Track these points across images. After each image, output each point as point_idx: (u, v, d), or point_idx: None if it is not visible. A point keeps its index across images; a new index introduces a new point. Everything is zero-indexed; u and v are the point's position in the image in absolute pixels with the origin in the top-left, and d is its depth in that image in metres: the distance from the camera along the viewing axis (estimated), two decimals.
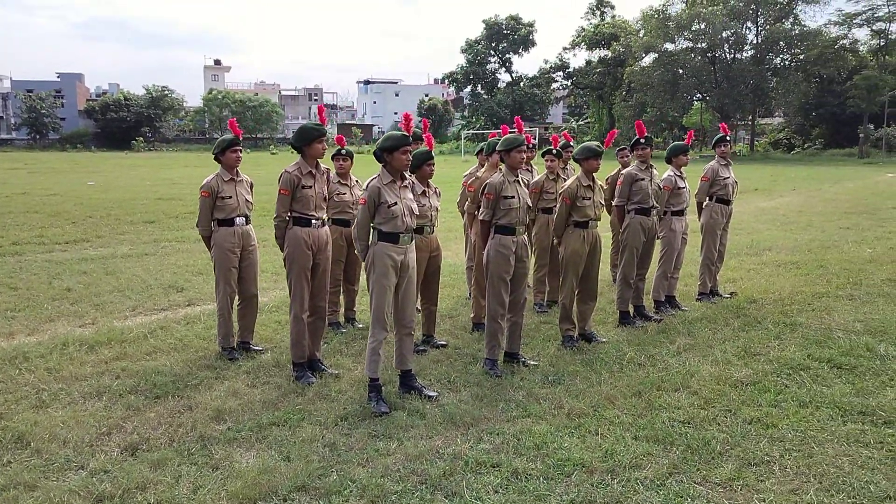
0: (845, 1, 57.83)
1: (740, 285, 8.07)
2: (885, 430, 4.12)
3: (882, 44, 48.88)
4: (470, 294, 6.94)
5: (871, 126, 47.66)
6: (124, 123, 65.68)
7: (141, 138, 63.42)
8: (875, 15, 47.91)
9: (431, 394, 4.73)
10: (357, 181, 6.29)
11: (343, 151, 6.35)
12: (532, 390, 4.85)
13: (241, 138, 5.74)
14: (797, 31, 49.27)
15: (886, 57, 48.19)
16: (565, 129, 56.26)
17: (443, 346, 5.90)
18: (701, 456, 3.82)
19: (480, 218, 5.40)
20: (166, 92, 69.58)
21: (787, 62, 50.54)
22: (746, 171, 29.69)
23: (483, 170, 6.79)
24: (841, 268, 8.96)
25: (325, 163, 5.44)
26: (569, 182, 6.07)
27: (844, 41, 49.90)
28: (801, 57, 48.99)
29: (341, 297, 6.60)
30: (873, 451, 3.86)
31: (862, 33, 50.60)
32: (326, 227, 5.32)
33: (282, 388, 4.93)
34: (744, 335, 6.10)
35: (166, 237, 11.93)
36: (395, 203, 4.59)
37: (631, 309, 6.73)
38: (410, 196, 4.79)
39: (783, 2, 49.82)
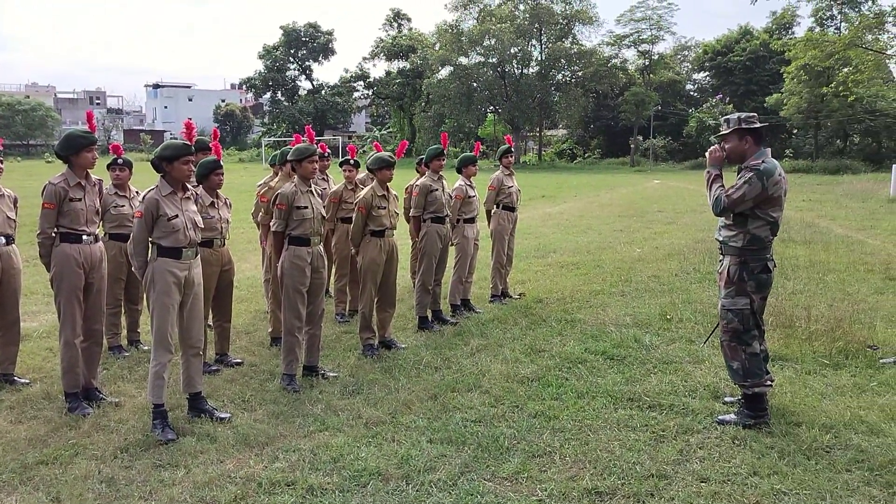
0: (615, 24, 63.86)
1: (528, 286, 8.60)
2: (649, 413, 4.58)
3: (647, 63, 54.62)
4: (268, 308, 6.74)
5: (640, 137, 53.03)
6: None
7: None
8: (640, 37, 53.43)
9: (223, 416, 4.51)
10: (137, 192, 5.86)
11: (120, 161, 5.90)
12: (331, 402, 4.80)
13: (1, 147, 5.13)
14: (575, 50, 53.59)
15: (651, 75, 53.90)
16: (370, 138, 56.77)
17: (238, 364, 5.67)
18: (490, 453, 4.00)
19: (273, 229, 5.27)
20: None
21: (568, 78, 54.79)
22: (535, 179, 31.80)
23: (277, 180, 6.64)
24: (614, 267, 9.86)
25: (99, 173, 5.02)
26: (364, 191, 6.12)
27: (616, 60, 55.06)
28: (580, 74, 53.35)
29: (123, 319, 6.12)
30: (640, 433, 4.27)
31: (630, 53, 55.99)
32: (100, 243, 4.90)
33: (52, 422, 4.46)
34: (531, 333, 6.50)
35: None
36: (177, 216, 4.33)
37: (429, 314, 6.91)
38: (194, 208, 4.55)
39: (563, 22, 53.97)
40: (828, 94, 37.51)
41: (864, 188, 23.05)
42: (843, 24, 40.04)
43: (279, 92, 67.24)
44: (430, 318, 6.88)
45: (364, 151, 36.91)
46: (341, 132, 64.50)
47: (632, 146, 52.00)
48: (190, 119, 5.28)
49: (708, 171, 4.48)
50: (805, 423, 4.34)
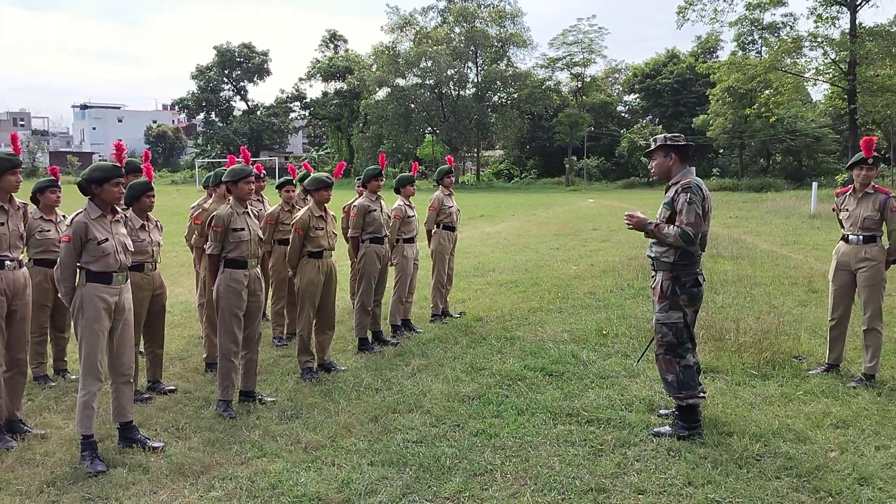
0: (548, 47, 65.35)
1: (468, 305, 8.65)
2: (588, 428, 4.65)
3: (579, 86, 55.98)
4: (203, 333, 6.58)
5: (575, 158, 54.16)
6: None
7: None
8: (573, 60, 54.73)
9: (156, 445, 4.38)
10: (63, 216, 5.66)
11: (59, 183, 5.70)
12: (269, 428, 4.71)
13: None
14: (510, 73, 54.53)
15: (584, 97, 55.23)
16: (306, 158, 56.30)
17: (171, 391, 5.51)
18: (432, 473, 3.98)
19: (208, 252, 5.18)
20: None
21: (503, 100, 55.66)
22: (473, 199, 32.08)
23: (211, 201, 6.53)
24: (552, 284, 10.00)
25: (24, 196, 4.84)
26: (300, 212, 6.07)
27: (550, 82, 56.19)
28: (515, 95, 54.26)
29: (49, 347, 5.87)
30: (579, 448, 4.33)
31: (563, 76, 57.10)
32: (24, 269, 4.71)
33: None
34: (471, 352, 6.53)
35: None
36: (107, 239, 4.21)
37: (369, 335, 6.87)
38: (124, 231, 4.44)
39: (498, 45, 54.90)
40: (751, 115, 39.20)
41: (787, 205, 24.07)
42: (763, 48, 41.94)
43: (213, 113, 66.19)
44: (370, 340, 6.84)
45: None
46: (278, 153, 63.80)
47: (566, 166, 53.03)
48: (120, 140, 5.14)
49: (646, 229, 4.47)
50: (736, 433, 4.48)
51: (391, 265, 7.20)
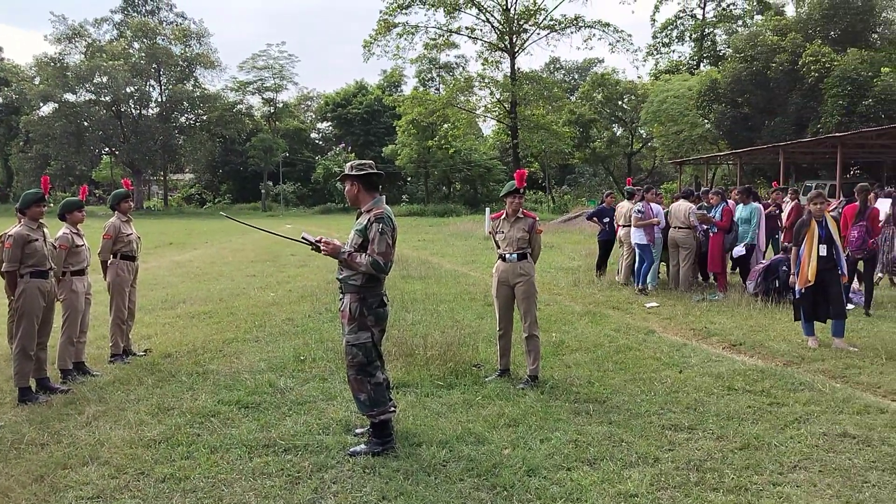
0: (238, 70, 63.94)
1: (155, 341, 8.01)
2: (284, 457, 4.57)
3: (272, 111, 55.76)
4: None
5: (271, 183, 53.74)
6: None
7: None
8: (264, 85, 54.39)
9: None
10: None
11: None
12: None
13: None
14: (199, 94, 52.43)
15: (277, 123, 55.14)
16: None
17: None
18: None
19: None
20: None
21: (192, 121, 53.26)
22: (161, 226, 30.05)
23: None
24: (248, 313, 9.72)
25: None
26: None
27: (241, 106, 55.19)
28: (205, 117, 52.29)
29: None
30: (275, 479, 4.23)
31: (255, 100, 56.51)
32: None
33: None
34: (158, 391, 6.04)
35: None
36: None
37: (32, 383, 6.00)
38: None
39: (183, 64, 52.46)
40: (433, 146, 42.59)
41: (466, 228, 26.50)
42: (441, 85, 45.93)
43: None
44: (34, 389, 5.98)
45: None
46: None
47: (262, 191, 52.36)
48: None
49: (339, 257, 4.55)
50: (425, 442, 4.75)
51: (58, 301, 6.39)
